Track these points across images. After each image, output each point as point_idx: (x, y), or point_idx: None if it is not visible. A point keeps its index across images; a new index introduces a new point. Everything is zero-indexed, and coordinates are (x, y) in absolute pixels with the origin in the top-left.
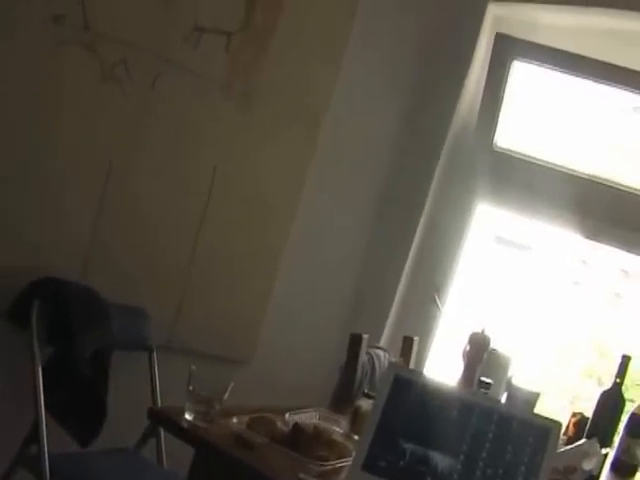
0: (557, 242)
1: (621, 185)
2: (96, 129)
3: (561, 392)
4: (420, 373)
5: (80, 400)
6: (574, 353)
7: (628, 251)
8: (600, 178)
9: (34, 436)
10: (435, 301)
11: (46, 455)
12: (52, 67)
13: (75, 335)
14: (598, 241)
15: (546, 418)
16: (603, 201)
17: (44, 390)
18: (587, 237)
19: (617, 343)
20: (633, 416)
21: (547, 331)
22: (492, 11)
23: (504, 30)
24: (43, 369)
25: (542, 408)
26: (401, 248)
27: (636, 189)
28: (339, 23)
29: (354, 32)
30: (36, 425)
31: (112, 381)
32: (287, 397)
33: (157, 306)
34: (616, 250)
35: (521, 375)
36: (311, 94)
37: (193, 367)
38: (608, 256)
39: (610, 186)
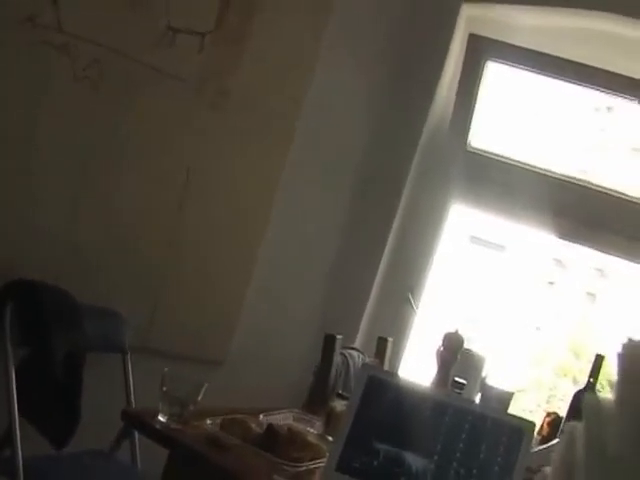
0: (532, 242)
1: (595, 185)
2: (69, 129)
3: (537, 391)
4: (394, 374)
5: (54, 402)
6: (549, 352)
7: (602, 252)
8: (574, 178)
9: (7, 439)
10: (409, 301)
11: (20, 458)
12: (25, 68)
13: (48, 337)
14: (572, 241)
15: (520, 418)
16: (577, 201)
17: (17, 392)
18: (561, 237)
19: (592, 342)
20: None
21: (522, 331)
22: (466, 11)
23: (478, 31)
24: (16, 371)
25: (518, 407)
26: (375, 248)
27: (610, 189)
28: (313, 24)
29: (328, 34)
30: (9, 428)
31: (86, 383)
32: (261, 398)
33: (131, 308)
34: (591, 250)
35: (496, 375)
36: (285, 95)
37: (166, 369)
38: (583, 256)
39: (584, 186)
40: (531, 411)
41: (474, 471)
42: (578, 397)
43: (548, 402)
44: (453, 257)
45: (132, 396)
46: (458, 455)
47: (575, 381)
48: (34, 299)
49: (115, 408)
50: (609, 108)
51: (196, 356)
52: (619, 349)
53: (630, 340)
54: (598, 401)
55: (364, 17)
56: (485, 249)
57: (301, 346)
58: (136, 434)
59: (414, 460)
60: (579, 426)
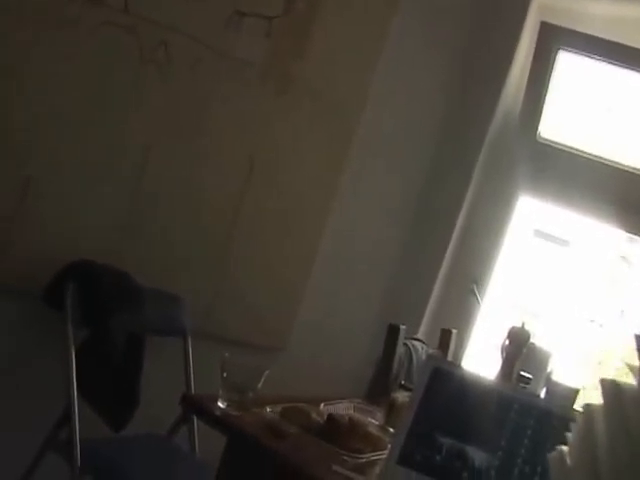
0: (596, 238)
1: None
2: (135, 112)
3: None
4: (459, 366)
5: (113, 384)
6: (613, 350)
7: None
8: None
9: (66, 419)
10: (474, 294)
11: (77, 439)
12: (92, 49)
13: (108, 319)
14: (639, 235)
15: None
16: None
17: (77, 373)
18: (628, 232)
19: None
20: None
21: (585, 327)
22: (537, 0)
23: (549, 19)
24: (77, 352)
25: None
26: (441, 239)
27: None
28: (381, 11)
29: (396, 22)
30: (68, 408)
31: (146, 366)
32: (322, 386)
33: (193, 292)
34: None
35: (562, 371)
36: (351, 84)
37: (227, 354)
38: None
39: None
40: None
41: (539, 468)
42: None
43: None
44: (519, 250)
45: (192, 381)
46: (523, 451)
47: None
48: (95, 280)
49: (174, 392)
50: None
51: (257, 342)
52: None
53: None
54: (617, 384)
55: (434, 5)
56: (549, 243)
57: (364, 336)
58: (195, 419)
59: (477, 455)
60: (596, 407)
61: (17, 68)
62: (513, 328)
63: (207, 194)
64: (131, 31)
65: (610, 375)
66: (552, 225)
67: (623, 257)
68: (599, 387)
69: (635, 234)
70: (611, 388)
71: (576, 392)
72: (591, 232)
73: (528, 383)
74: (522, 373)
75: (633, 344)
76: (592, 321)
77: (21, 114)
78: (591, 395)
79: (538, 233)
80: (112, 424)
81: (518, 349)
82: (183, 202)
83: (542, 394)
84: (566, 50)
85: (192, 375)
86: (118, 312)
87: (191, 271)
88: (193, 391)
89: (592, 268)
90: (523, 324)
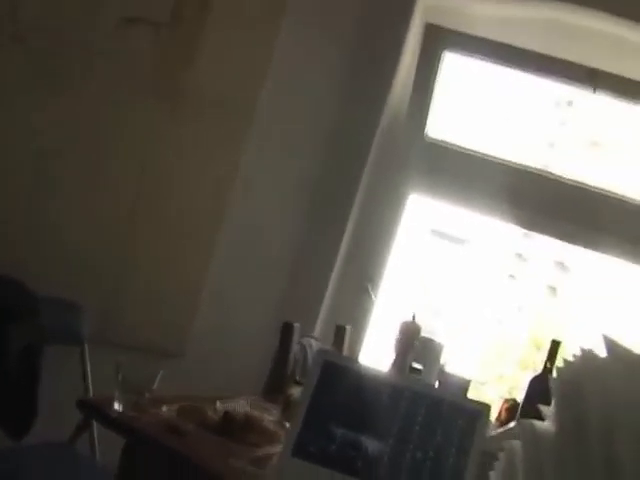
0: (492, 235)
1: (554, 175)
2: (22, 121)
3: (498, 384)
4: (350, 358)
5: (11, 394)
6: (511, 345)
7: (563, 241)
8: (533, 168)
9: None
10: (368, 291)
11: None
12: None
13: (4, 330)
14: (533, 231)
15: (476, 401)
16: (537, 192)
17: None
18: (522, 227)
19: (553, 335)
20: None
21: (484, 324)
22: (423, 1)
23: (435, 20)
24: None
25: (481, 398)
26: (333, 238)
27: (569, 179)
28: (269, 17)
29: (283, 23)
30: None
31: (45, 374)
32: (221, 387)
33: (89, 300)
34: (552, 242)
35: (457, 367)
36: (242, 88)
37: (121, 357)
38: (543, 249)
39: (543, 176)
40: (493, 402)
41: (430, 454)
42: (534, 383)
43: (510, 393)
44: (413, 249)
45: (90, 388)
46: (414, 438)
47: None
48: None
49: (74, 400)
50: (569, 102)
51: (155, 348)
52: (555, 373)
53: (566, 361)
54: (534, 427)
55: (320, 6)
56: (446, 242)
57: (260, 335)
58: (95, 425)
59: (371, 444)
60: (517, 447)
61: None
62: (404, 322)
63: (102, 200)
64: (20, 39)
65: (509, 369)
66: (448, 224)
67: (519, 254)
68: (519, 427)
69: (530, 230)
70: (529, 430)
71: (468, 383)
72: (487, 230)
73: (419, 374)
74: (413, 365)
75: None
76: (490, 317)
77: None
78: (489, 389)
79: (435, 232)
80: (12, 434)
81: (409, 342)
82: (79, 207)
83: (436, 386)
84: (451, 51)
85: (90, 382)
86: (13, 323)
87: (88, 277)
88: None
89: (489, 265)
90: (414, 317)
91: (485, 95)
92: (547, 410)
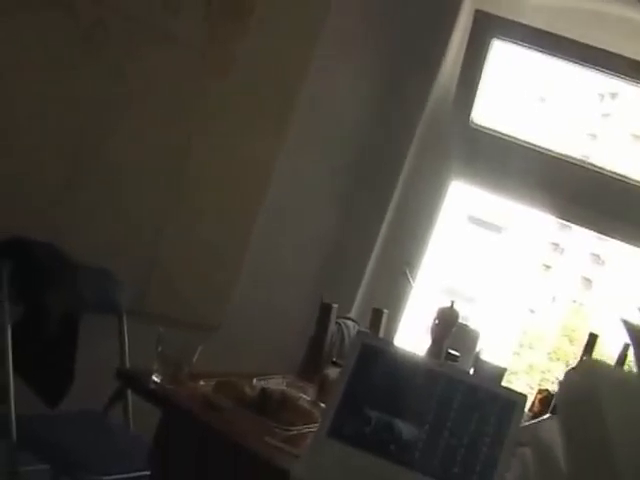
0: (529, 224)
1: (595, 167)
2: (72, 91)
3: (529, 374)
4: (388, 342)
5: (48, 361)
6: (543, 336)
7: (600, 233)
8: (575, 159)
9: (2, 396)
10: (406, 275)
11: (13, 416)
12: (30, 26)
13: (43, 295)
14: (570, 222)
15: (512, 390)
16: (577, 182)
17: (13, 350)
18: (560, 217)
19: (586, 327)
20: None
21: (516, 313)
22: None
23: (484, 7)
24: (12, 328)
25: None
26: (374, 221)
27: (609, 171)
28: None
29: (333, 7)
30: (3, 385)
31: (81, 343)
32: (257, 364)
33: (128, 270)
34: (588, 235)
35: (490, 353)
36: (288, 67)
37: (162, 329)
38: (580, 241)
39: (586, 167)
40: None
41: (464, 441)
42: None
43: (540, 385)
44: (451, 235)
45: (127, 358)
46: (449, 425)
47: (568, 364)
48: (30, 257)
49: (110, 369)
50: (613, 94)
51: (192, 320)
52: (562, 377)
53: (570, 370)
54: (549, 447)
55: None
56: (483, 229)
57: (298, 314)
58: (129, 395)
59: (405, 428)
60: (528, 453)
61: None
62: (442, 308)
63: (145, 172)
64: (70, 8)
65: (541, 359)
66: (486, 212)
67: (555, 244)
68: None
69: (565, 220)
70: (543, 450)
71: (503, 371)
72: (524, 219)
73: (456, 361)
74: (450, 351)
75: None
76: (523, 306)
77: None
78: (521, 378)
79: (472, 219)
80: (47, 401)
81: (446, 328)
82: (120, 180)
83: (470, 372)
84: (500, 39)
85: (127, 352)
86: (52, 289)
87: (128, 247)
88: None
89: (525, 254)
90: (452, 304)
91: (528, 83)
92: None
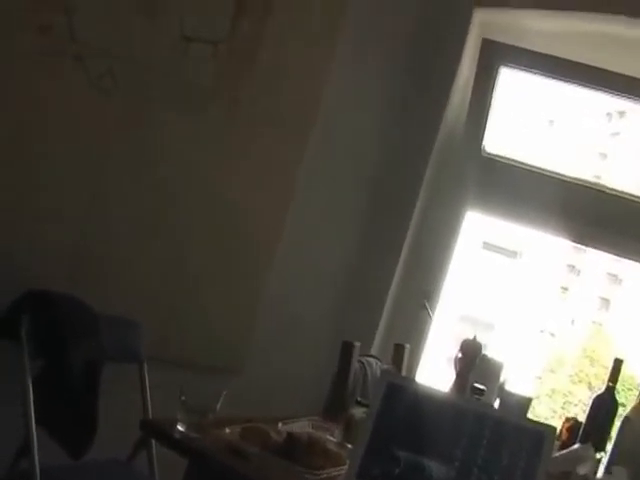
0: (545, 248)
1: (609, 189)
2: (83, 139)
3: (551, 398)
4: (413, 380)
5: (71, 412)
6: (564, 359)
7: (616, 254)
8: (587, 182)
9: (25, 450)
10: (425, 308)
11: (37, 469)
12: (38, 77)
13: (65, 347)
14: (587, 245)
15: (540, 423)
16: (591, 205)
17: (35, 403)
18: (575, 241)
19: (607, 348)
20: (627, 420)
21: (537, 337)
22: (478, 17)
23: (491, 36)
24: (33, 382)
25: (534, 413)
26: (391, 255)
27: (624, 192)
28: (326, 31)
29: (341, 40)
30: (27, 438)
31: (103, 393)
32: (280, 406)
33: (147, 317)
34: (604, 255)
35: (513, 381)
36: (298, 103)
37: (183, 384)
38: (596, 262)
39: (599, 190)
40: (546, 418)
41: (495, 477)
42: (597, 402)
43: (563, 408)
44: (468, 264)
45: (149, 406)
46: (479, 461)
47: (590, 387)
48: (50, 310)
49: (132, 418)
50: (621, 113)
51: (213, 365)
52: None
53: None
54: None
55: (377, 23)
56: (498, 255)
57: (318, 354)
58: (153, 443)
59: (435, 467)
60: None
61: None
62: (465, 341)
63: (159, 217)
64: (78, 59)
65: (561, 383)
66: (500, 237)
67: (571, 266)
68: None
69: (581, 243)
70: None
71: (529, 401)
72: (539, 243)
73: (482, 394)
74: (475, 385)
75: None
76: (543, 330)
77: None
78: (543, 402)
79: (487, 245)
80: (71, 452)
81: (471, 361)
82: (134, 227)
83: (496, 404)
84: (508, 66)
85: (149, 400)
86: (74, 341)
87: (146, 296)
88: (150, 415)
89: (541, 278)
90: (475, 337)
91: (536, 107)
92: None
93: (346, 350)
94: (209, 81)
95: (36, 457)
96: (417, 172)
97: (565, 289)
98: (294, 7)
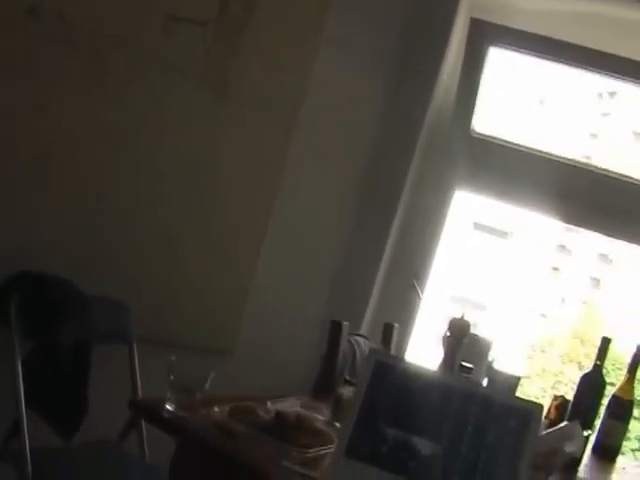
0: (535, 228)
1: (599, 168)
2: (73, 123)
3: (542, 378)
4: (401, 358)
5: (61, 394)
6: (554, 339)
7: (606, 234)
8: (578, 162)
9: (15, 431)
10: (415, 288)
11: (27, 449)
12: (26, 59)
13: (54, 328)
14: (577, 225)
15: (528, 401)
16: (581, 185)
17: (25, 384)
18: (566, 222)
19: (597, 328)
20: (614, 398)
21: (527, 317)
22: None
23: (479, 15)
24: (23, 363)
25: (524, 393)
26: (380, 235)
27: (614, 172)
28: (314, 12)
29: (329, 20)
30: (17, 420)
31: (93, 374)
32: (269, 386)
33: (137, 298)
34: (595, 235)
35: (503, 361)
36: (287, 83)
37: (173, 357)
38: (587, 242)
39: (589, 170)
40: (537, 398)
41: (483, 454)
42: (585, 380)
43: (553, 388)
44: (458, 243)
45: (139, 386)
46: (466, 439)
47: (580, 367)
48: (39, 291)
49: (122, 399)
50: (612, 93)
51: (203, 346)
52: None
53: None
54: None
55: (366, 2)
56: (489, 235)
57: (308, 334)
58: (143, 424)
59: (423, 444)
60: None
61: None
62: (453, 319)
63: (149, 199)
64: (67, 41)
65: (553, 362)
66: (491, 218)
67: (562, 246)
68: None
69: (571, 223)
70: None
71: (517, 380)
72: (529, 223)
73: (470, 373)
74: (463, 363)
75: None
76: (534, 310)
77: None
78: (534, 382)
79: (477, 226)
80: (61, 433)
81: (458, 340)
82: (125, 208)
83: (484, 383)
84: (497, 46)
85: (139, 380)
86: (63, 322)
87: (135, 277)
88: (140, 396)
89: (532, 258)
90: (463, 315)
91: (526, 87)
92: None
93: (335, 329)
94: (198, 62)
95: (26, 438)
96: (406, 152)
97: (556, 269)
98: None
